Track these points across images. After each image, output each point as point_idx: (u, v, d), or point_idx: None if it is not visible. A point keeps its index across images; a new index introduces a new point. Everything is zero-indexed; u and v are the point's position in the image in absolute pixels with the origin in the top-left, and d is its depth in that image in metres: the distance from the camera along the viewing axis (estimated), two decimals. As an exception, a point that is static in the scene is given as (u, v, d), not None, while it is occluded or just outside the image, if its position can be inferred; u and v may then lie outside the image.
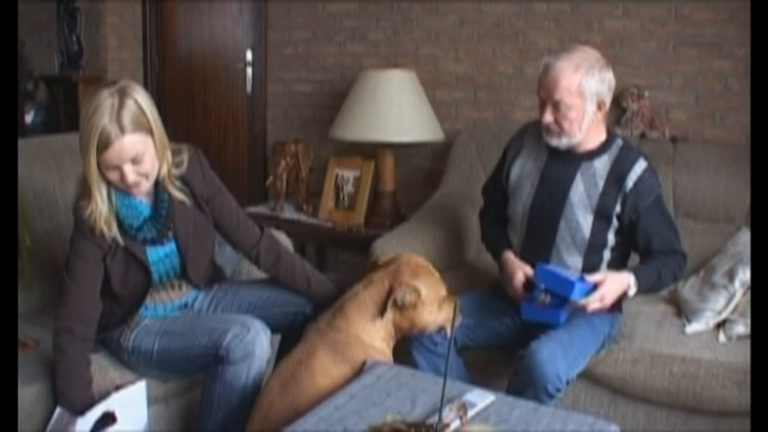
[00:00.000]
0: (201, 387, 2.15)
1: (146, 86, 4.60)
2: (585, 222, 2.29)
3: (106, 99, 1.91)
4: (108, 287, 2.12)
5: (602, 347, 2.37)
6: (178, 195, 2.14)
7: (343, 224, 3.64)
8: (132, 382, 2.11)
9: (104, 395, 2.03)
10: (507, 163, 2.48)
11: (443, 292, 2.14)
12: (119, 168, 1.96)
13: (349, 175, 3.79)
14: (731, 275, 2.58)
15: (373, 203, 3.68)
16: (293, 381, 1.97)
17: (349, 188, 3.76)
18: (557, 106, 2.22)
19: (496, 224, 2.55)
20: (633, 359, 2.38)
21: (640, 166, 2.27)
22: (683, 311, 2.60)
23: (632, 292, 2.23)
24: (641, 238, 2.30)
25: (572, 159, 2.31)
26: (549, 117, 2.24)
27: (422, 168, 3.88)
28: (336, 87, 4.05)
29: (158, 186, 2.11)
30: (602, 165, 2.29)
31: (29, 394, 1.98)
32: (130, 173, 1.97)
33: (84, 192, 2.03)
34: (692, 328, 2.49)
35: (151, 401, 2.17)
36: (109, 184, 2.03)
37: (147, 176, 2.03)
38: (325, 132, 3.76)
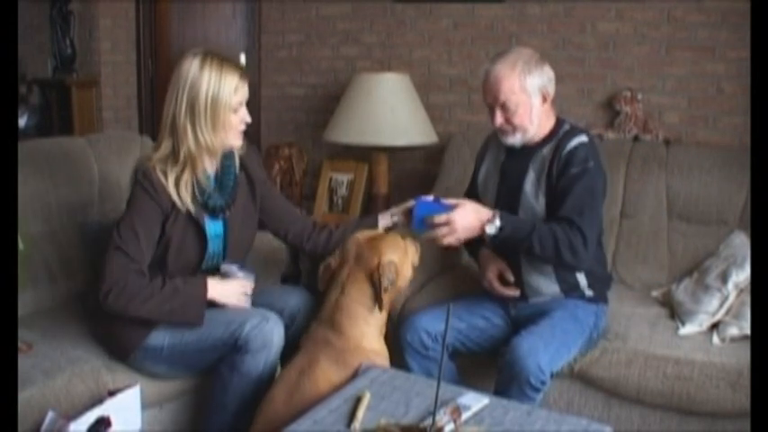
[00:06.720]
0: (213, 380, 2.17)
1: (139, 89, 4.59)
2: (539, 206, 2.32)
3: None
4: (162, 257, 2.15)
5: (589, 340, 2.38)
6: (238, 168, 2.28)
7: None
8: (126, 387, 2.11)
9: (99, 400, 2.03)
10: (477, 170, 2.58)
11: (400, 239, 2.19)
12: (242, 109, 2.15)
13: (343, 178, 3.80)
14: (724, 277, 2.59)
15: (367, 206, 3.68)
16: (297, 391, 1.99)
17: (343, 191, 3.76)
18: (504, 107, 2.28)
19: None
20: (627, 361, 2.39)
21: (578, 140, 2.30)
22: (676, 313, 2.61)
23: (492, 229, 2.20)
24: (555, 203, 2.27)
25: (525, 153, 2.37)
26: (499, 119, 2.31)
27: (415, 171, 3.88)
28: (330, 91, 4.05)
29: (226, 157, 2.23)
30: (548, 150, 2.34)
31: (22, 398, 1.96)
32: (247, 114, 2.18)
33: (155, 156, 2.11)
34: (686, 329, 2.50)
35: (145, 405, 2.16)
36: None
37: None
38: (318, 136, 3.76)
